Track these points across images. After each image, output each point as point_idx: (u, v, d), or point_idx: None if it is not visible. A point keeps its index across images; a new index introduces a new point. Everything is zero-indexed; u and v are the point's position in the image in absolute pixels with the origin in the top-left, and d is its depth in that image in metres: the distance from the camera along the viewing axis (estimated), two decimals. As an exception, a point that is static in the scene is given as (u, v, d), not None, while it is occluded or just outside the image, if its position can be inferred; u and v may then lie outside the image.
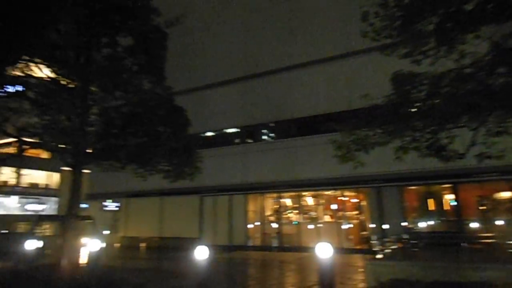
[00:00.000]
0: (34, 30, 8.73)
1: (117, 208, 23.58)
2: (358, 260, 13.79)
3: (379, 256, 10.99)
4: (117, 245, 22.00)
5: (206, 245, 6.56)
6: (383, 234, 15.14)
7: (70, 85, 10.11)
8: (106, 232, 21.54)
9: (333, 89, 18.04)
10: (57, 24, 9.22)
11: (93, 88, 10.31)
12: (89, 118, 10.53)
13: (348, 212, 17.86)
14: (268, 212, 19.68)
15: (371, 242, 15.63)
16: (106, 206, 23.39)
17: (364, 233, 17.22)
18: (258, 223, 19.31)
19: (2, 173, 32.83)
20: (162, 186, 15.22)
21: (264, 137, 20.45)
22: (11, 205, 33.49)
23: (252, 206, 19.82)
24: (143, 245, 20.91)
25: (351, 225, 17.38)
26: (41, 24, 8.44)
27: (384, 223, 15.68)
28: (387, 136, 7.28)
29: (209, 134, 21.84)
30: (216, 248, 16.58)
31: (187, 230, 20.56)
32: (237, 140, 20.96)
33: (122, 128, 10.48)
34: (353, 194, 18.12)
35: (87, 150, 10.75)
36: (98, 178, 22.58)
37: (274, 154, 19.05)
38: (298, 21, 19.79)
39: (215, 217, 20.17)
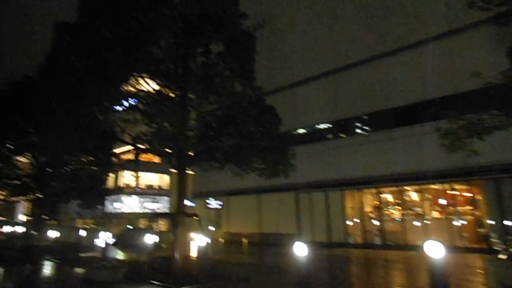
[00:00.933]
0: (140, 48, 9.84)
1: (219, 206, 25.17)
2: (475, 260, 12.27)
3: (502, 256, 9.58)
4: (221, 240, 23.48)
5: (304, 242, 6.55)
6: (505, 231, 13.19)
7: (171, 95, 11.12)
8: (211, 228, 23.16)
9: (434, 73, 16.32)
10: (158, 41, 10.21)
11: (190, 95, 11.15)
12: (188, 123, 11.43)
13: (460, 207, 15.99)
14: (367, 209, 18.79)
15: (490, 240, 13.76)
16: (209, 204, 25.16)
17: (481, 230, 15.22)
18: (358, 220, 18.58)
19: (123, 176, 37.85)
20: (259, 184, 15.68)
21: (358, 130, 19.59)
22: (132, 204, 38.37)
23: (350, 202, 19.17)
24: (244, 240, 21.89)
25: (465, 222, 15.52)
26: (145, 42, 9.46)
27: (507, 219, 13.63)
28: (507, 118, 6.27)
29: (302, 131, 21.80)
30: (314, 245, 16.48)
31: (285, 226, 20.88)
32: (330, 136, 20.51)
33: (217, 130, 11.13)
34: (465, 187, 16.17)
35: (189, 153, 11.69)
36: (202, 178, 24.45)
37: (370, 148, 18.10)
38: (388, 3, 18.47)
39: (312, 214, 20.05)
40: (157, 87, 11.29)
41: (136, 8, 8.98)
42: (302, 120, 21.32)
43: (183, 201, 10.87)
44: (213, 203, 24.79)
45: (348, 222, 18.65)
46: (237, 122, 10.84)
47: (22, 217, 40.03)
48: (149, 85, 11.53)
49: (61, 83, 11.14)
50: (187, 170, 11.93)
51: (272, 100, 12.46)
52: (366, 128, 19.32)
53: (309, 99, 21.34)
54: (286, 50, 22.98)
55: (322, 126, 20.99)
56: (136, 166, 29.17)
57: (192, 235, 11.60)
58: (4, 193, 24.46)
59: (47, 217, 19.22)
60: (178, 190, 11.44)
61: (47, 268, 12.12)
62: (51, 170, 17.62)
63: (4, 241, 18.82)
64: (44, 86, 13.05)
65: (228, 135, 11.03)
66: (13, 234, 19.47)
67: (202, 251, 10.09)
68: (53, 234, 15.57)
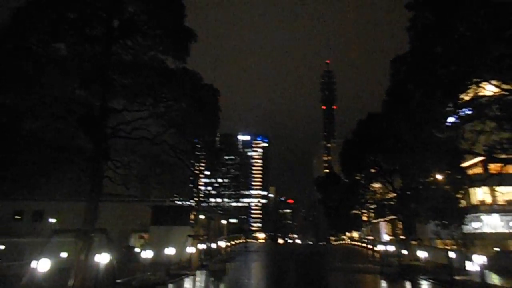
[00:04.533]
0: (477, 51, 9.06)
1: None
2: None
3: None
4: None
5: None
6: None
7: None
8: None
9: None
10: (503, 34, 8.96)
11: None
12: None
13: None
14: None
15: None
16: None
17: None
18: None
19: (476, 193, 34.24)
20: None
21: None
22: (494, 223, 33.58)
23: None
24: None
25: None
26: (484, 42, 8.60)
27: None
28: None
29: None
30: None
31: None
32: None
33: None
34: None
35: None
36: None
37: None
38: None
39: None
40: (506, 87, 9.83)
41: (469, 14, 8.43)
42: None
43: None
44: None
45: None
46: None
47: (386, 237, 44.40)
48: (494, 87, 10.25)
49: (402, 110, 12.00)
50: None
51: None
52: None
53: None
54: None
55: None
56: (491, 179, 25.80)
57: None
58: (370, 215, 28.53)
59: (409, 237, 20.27)
60: None
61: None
62: (408, 192, 18.85)
63: (381, 259, 21.48)
64: (388, 118, 14.53)
65: None
66: (385, 253, 21.83)
67: None
68: (422, 254, 16.13)
